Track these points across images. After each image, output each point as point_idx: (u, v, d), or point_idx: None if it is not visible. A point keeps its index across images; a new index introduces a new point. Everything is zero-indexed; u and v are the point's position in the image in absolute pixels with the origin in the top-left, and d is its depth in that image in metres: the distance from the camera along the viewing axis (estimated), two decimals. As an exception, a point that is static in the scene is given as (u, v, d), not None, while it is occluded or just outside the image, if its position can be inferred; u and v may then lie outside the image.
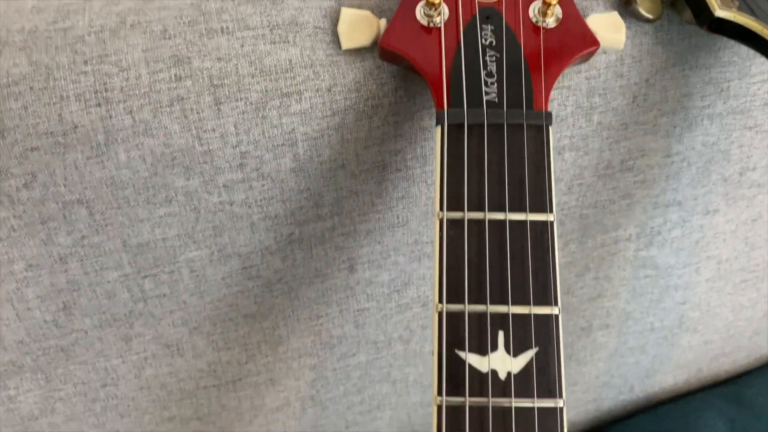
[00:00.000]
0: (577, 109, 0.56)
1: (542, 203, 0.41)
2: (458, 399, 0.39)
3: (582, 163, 0.59)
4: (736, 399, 0.84)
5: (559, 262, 0.41)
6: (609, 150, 0.59)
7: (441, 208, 0.42)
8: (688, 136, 0.61)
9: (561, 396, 0.39)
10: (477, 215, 0.41)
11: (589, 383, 0.80)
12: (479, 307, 0.40)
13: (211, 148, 0.48)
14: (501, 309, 0.40)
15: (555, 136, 0.57)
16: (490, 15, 0.46)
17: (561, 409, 0.39)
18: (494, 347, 0.40)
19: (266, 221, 0.53)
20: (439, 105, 0.44)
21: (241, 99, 0.47)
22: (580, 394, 0.81)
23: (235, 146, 0.49)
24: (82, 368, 0.57)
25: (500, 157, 0.42)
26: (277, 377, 0.63)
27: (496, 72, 0.44)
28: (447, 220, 0.41)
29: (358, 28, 0.47)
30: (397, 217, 0.57)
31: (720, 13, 0.48)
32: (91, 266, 0.51)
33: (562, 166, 0.59)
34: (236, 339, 0.60)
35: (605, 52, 0.53)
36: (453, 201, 0.41)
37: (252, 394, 0.64)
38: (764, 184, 0.68)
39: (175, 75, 0.46)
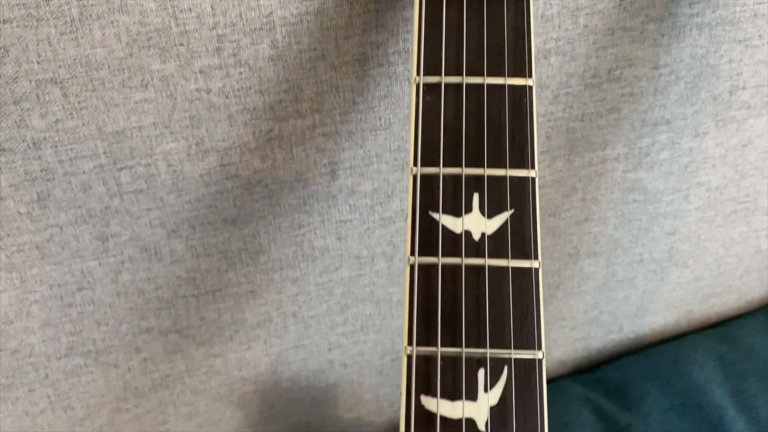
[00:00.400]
0: (563, 9, 0.55)
1: (521, 68, 0.41)
2: (431, 258, 0.38)
3: (568, 69, 0.58)
4: (727, 339, 0.83)
5: (537, 128, 0.40)
6: (596, 56, 0.58)
7: (418, 73, 0.41)
8: (677, 47, 0.60)
9: (536, 258, 0.38)
10: (454, 79, 0.40)
11: (577, 319, 0.79)
12: (454, 170, 0.39)
13: (187, 29, 0.47)
14: (476, 171, 0.39)
15: (540, 38, 0.56)
16: None
17: (536, 270, 0.38)
18: (469, 209, 0.39)
19: (244, 114, 0.52)
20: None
21: (218, -23, 0.46)
22: (568, 330, 0.80)
23: (212, 28, 0.48)
24: (58, 269, 0.56)
25: (479, 22, 0.41)
26: (258, 289, 0.62)
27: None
28: (423, 84, 0.40)
29: None
30: (380, 119, 0.56)
31: None
32: (65, 154, 0.50)
33: (548, 71, 0.58)
34: (216, 245, 0.59)
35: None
36: (430, 65, 0.41)
37: (232, 307, 0.63)
38: (754, 107, 0.67)
39: (151, -51, 0.45)
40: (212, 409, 0.70)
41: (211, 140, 0.53)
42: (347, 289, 0.66)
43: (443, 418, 0.36)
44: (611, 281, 0.76)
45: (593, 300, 0.78)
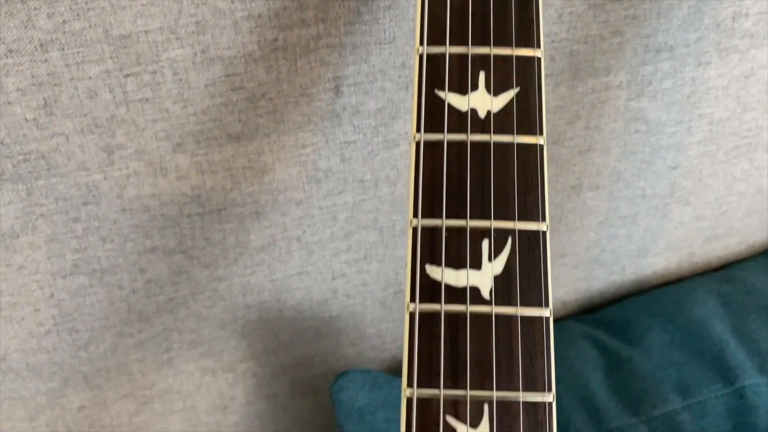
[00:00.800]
0: None
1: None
2: (437, 135, 0.39)
3: (572, -13, 0.58)
4: (728, 280, 0.83)
5: (542, 9, 0.41)
6: (599, -26, 0.58)
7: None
8: (680, -32, 0.60)
9: (541, 134, 0.38)
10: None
11: (579, 256, 0.80)
12: (461, 49, 0.40)
13: (193, -71, 0.48)
14: (483, 50, 0.39)
15: (545, -47, 0.56)
16: None
17: (541, 147, 0.38)
18: (474, 87, 0.39)
19: (249, 21, 0.52)
20: None
21: None
22: (570, 269, 0.81)
23: (218, -72, 0.48)
24: (64, 182, 0.56)
25: None
26: (262, 210, 0.63)
27: None
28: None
29: None
30: (384, 32, 0.56)
31: None
32: (72, 57, 0.50)
33: (552, -11, 0.58)
34: (221, 162, 0.59)
35: None
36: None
37: (237, 228, 0.63)
38: (757, 35, 0.67)
39: None
40: (216, 338, 0.70)
41: (217, 48, 0.53)
42: (351, 215, 0.66)
43: (448, 287, 0.37)
44: (613, 217, 0.77)
45: (595, 236, 0.78)
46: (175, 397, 0.74)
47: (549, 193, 0.74)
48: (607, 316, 0.82)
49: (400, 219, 0.68)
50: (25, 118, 0.52)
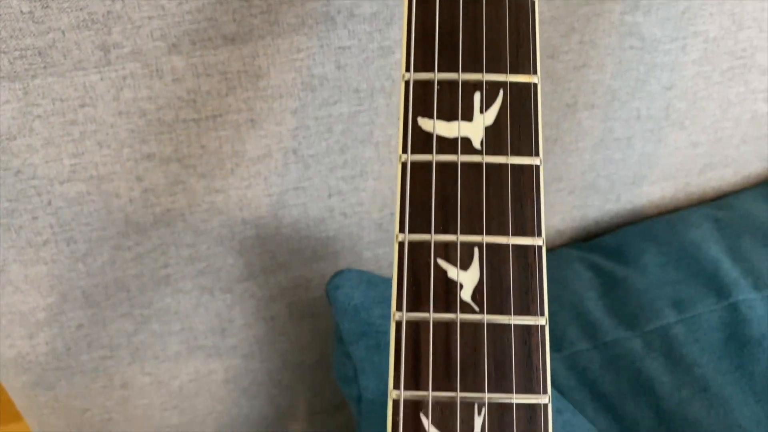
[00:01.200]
0: None
1: None
2: None
3: None
4: (723, 207, 0.83)
5: None
6: None
7: None
8: None
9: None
10: None
11: (574, 182, 0.80)
12: None
13: None
14: None
15: None
16: None
17: (533, 2, 0.39)
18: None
19: None
20: None
21: None
22: (565, 195, 0.81)
23: None
24: (60, 82, 0.57)
25: None
26: (258, 118, 0.63)
27: None
28: None
29: None
30: (378, -69, 0.56)
31: None
32: (67, -53, 0.51)
33: None
34: (216, 65, 0.59)
35: None
36: None
37: (233, 136, 0.63)
38: (752, -51, 0.67)
39: None
40: (213, 254, 0.70)
41: (211, -58, 0.53)
42: (346, 127, 0.66)
43: (440, 138, 0.37)
44: (609, 138, 0.77)
45: (591, 159, 0.78)
46: (174, 318, 0.74)
47: (544, 112, 0.74)
48: (602, 242, 0.82)
49: (395, 134, 0.69)
50: (21, 11, 0.53)
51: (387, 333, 0.59)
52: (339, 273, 0.60)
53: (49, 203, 0.62)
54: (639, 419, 0.64)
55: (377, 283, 0.60)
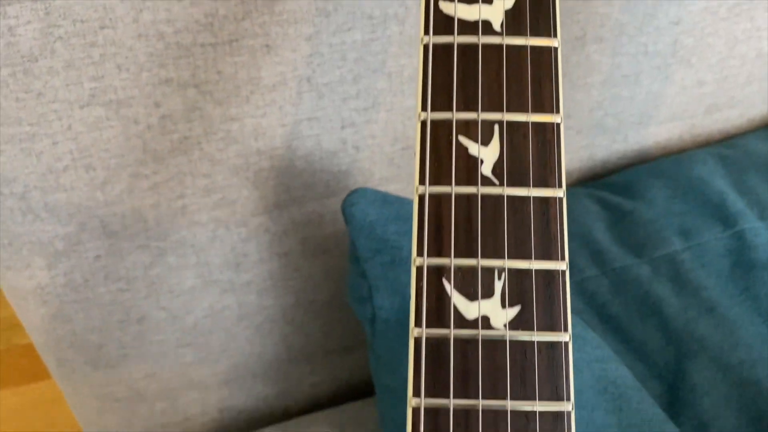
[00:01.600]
0: None
1: None
2: None
3: None
4: (729, 146, 0.85)
5: None
6: None
7: None
8: None
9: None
10: None
11: (582, 120, 0.81)
12: None
13: None
14: None
15: None
16: None
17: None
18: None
19: None
20: None
21: None
22: (574, 134, 0.82)
23: None
24: (81, 2, 0.58)
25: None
26: (273, 44, 0.64)
27: None
28: None
29: None
30: None
31: None
32: None
33: None
34: (233, -11, 0.60)
35: None
36: None
37: (248, 62, 0.65)
38: None
39: None
40: (229, 185, 0.72)
41: None
42: (359, 56, 0.68)
43: (460, 20, 0.38)
44: (617, 75, 0.78)
45: (599, 96, 0.79)
46: (189, 251, 0.76)
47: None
48: (610, 180, 0.84)
49: (408, 64, 0.70)
50: (44, -72, 0.54)
51: (402, 249, 0.61)
52: (355, 191, 0.61)
53: (69, 127, 0.64)
54: (647, 339, 0.65)
55: (392, 201, 0.61)
